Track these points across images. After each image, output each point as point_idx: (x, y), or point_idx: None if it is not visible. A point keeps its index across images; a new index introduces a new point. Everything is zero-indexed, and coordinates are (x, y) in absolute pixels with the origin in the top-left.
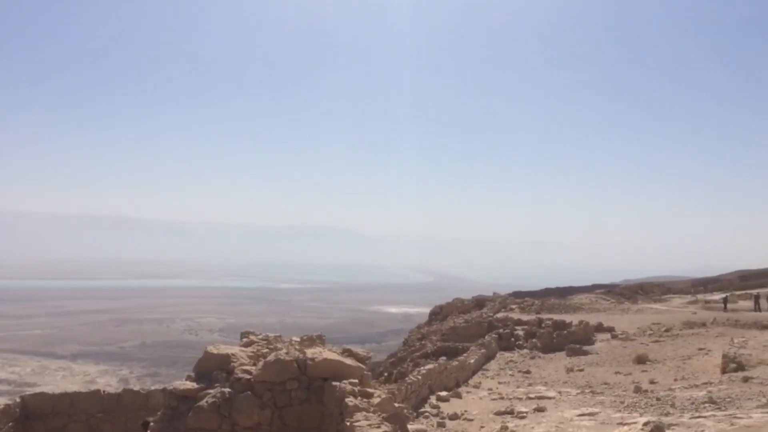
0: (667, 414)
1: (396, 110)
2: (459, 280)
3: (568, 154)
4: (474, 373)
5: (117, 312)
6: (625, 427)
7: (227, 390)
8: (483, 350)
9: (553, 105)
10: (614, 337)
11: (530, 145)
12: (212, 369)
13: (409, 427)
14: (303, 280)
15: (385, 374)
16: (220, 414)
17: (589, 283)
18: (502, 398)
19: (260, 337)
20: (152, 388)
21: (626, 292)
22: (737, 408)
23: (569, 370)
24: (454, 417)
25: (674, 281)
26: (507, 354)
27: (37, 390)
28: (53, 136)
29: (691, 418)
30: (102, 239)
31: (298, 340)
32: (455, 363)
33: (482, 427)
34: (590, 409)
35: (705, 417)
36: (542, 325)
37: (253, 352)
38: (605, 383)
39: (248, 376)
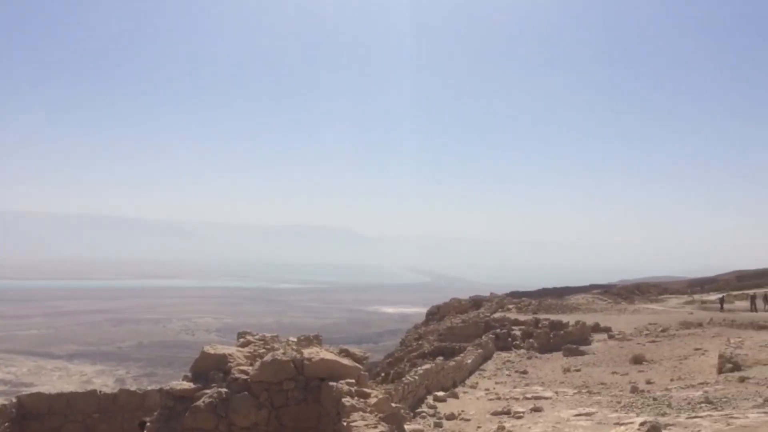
0: (663, 414)
1: (396, 110)
2: (456, 280)
3: (568, 154)
4: (471, 373)
5: (114, 312)
6: (622, 427)
7: (224, 390)
8: (480, 350)
9: (553, 105)
10: (611, 337)
11: (530, 145)
12: (209, 369)
13: (406, 427)
14: (301, 280)
15: (382, 374)
16: (217, 414)
17: (587, 283)
18: (499, 398)
19: (257, 337)
20: (149, 388)
21: (623, 292)
22: (733, 408)
23: (566, 370)
24: (451, 417)
25: (671, 281)
26: (504, 354)
27: (34, 390)
28: (53, 136)
29: (687, 418)
30: (102, 239)
31: (295, 340)
32: (452, 363)
33: (479, 427)
34: (587, 409)
35: (701, 417)
36: (539, 325)
37: (250, 352)
38: (602, 383)
39: (245, 376)
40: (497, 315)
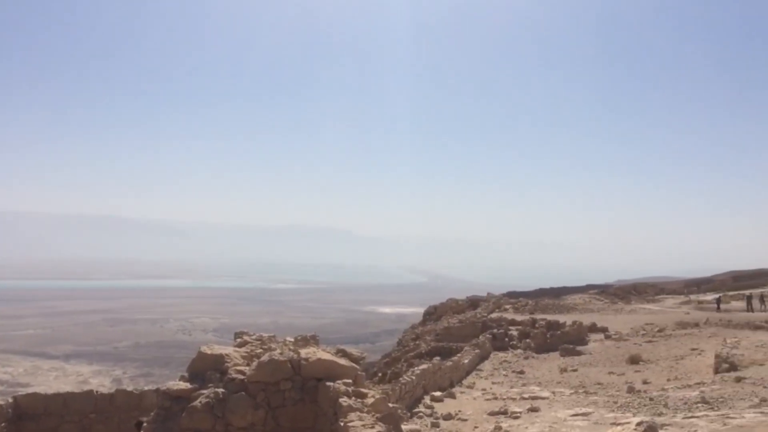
0: (660, 414)
1: (395, 110)
2: (453, 280)
3: (567, 155)
4: (468, 373)
5: (111, 312)
6: (618, 427)
7: (221, 390)
8: (477, 350)
9: (553, 105)
10: (607, 337)
11: (530, 145)
12: (206, 369)
13: (403, 427)
14: (299, 280)
15: (379, 374)
16: (214, 414)
17: (585, 283)
18: (495, 398)
19: (254, 337)
20: (145, 388)
21: (620, 292)
22: (730, 408)
23: (563, 370)
24: (448, 417)
25: (667, 282)
26: (501, 354)
27: (30, 390)
28: (52, 137)
29: (683, 418)
30: (101, 239)
31: (292, 340)
32: (449, 363)
33: (476, 427)
34: (584, 409)
35: (698, 417)
36: (536, 325)
37: (246, 352)
38: (598, 383)
39: (242, 377)
40: (494, 315)
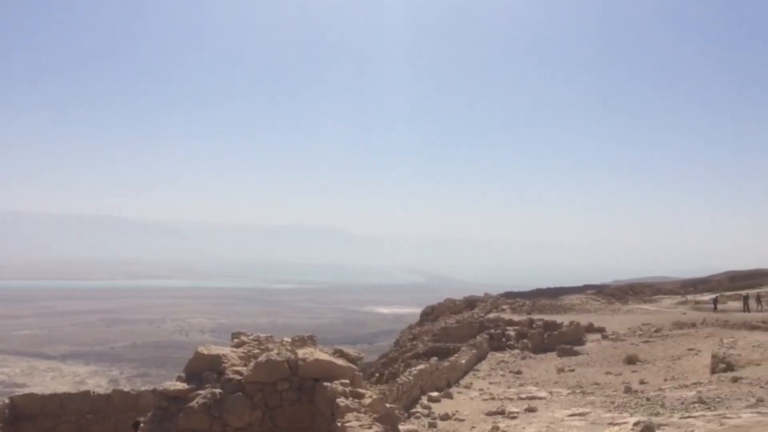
0: (657, 414)
1: (394, 110)
2: (451, 280)
3: (567, 155)
4: (465, 373)
5: (108, 312)
6: (616, 427)
7: (218, 391)
8: (474, 351)
9: (552, 105)
10: (605, 337)
11: (529, 145)
12: (203, 369)
13: (401, 427)
14: (297, 280)
15: (377, 375)
16: (211, 415)
17: (583, 283)
18: (493, 398)
19: (251, 337)
20: (142, 388)
21: (617, 292)
22: (727, 408)
23: (560, 370)
24: (445, 417)
25: (664, 282)
26: (498, 354)
27: (27, 391)
28: (52, 136)
29: (680, 418)
30: (101, 240)
31: (290, 340)
32: (446, 363)
33: (473, 427)
34: (581, 410)
35: (695, 417)
36: (533, 325)
37: (244, 352)
38: (596, 383)
39: (239, 377)
40: (491, 315)
